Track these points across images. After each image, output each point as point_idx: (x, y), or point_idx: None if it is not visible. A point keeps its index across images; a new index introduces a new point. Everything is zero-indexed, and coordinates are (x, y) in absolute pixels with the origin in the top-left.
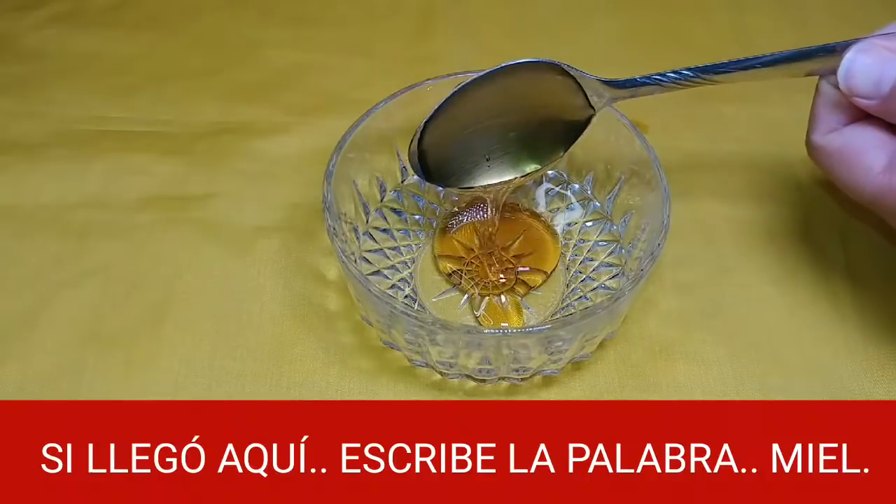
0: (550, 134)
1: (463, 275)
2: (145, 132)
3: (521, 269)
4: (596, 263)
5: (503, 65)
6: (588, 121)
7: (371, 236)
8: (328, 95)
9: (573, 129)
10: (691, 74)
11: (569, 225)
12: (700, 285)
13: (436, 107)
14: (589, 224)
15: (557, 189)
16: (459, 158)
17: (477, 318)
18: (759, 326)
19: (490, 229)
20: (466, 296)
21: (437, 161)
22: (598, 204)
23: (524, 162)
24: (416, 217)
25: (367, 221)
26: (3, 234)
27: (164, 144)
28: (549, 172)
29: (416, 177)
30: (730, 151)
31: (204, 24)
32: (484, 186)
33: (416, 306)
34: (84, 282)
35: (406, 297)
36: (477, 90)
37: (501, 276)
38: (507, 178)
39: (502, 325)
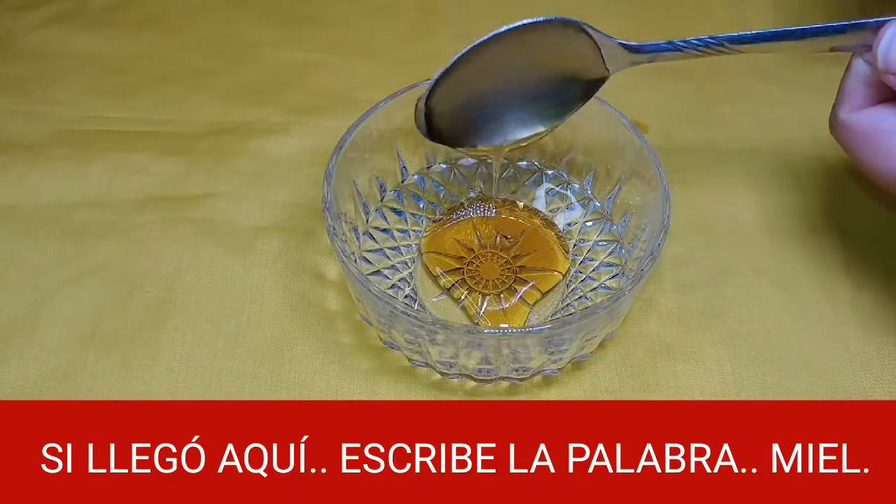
0: (561, 94)
1: (465, 272)
2: (145, 132)
3: (536, 269)
4: (596, 263)
5: (518, 23)
6: (601, 82)
7: (371, 236)
8: (328, 95)
9: (585, 91)
10: (714, 42)
11: (569, 225)
12: (700, 285)
13: (446, 66)
14: (589, 224)
15: (557, 189)
16: (468, 118)
17: (476, 322)
18: (759, 326)
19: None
20: (464, 298)
21: (444, 120)
22: (598, 204)
23: (532, 123)
24: (417, 217)
25: (367, 221)
26: (3, 234)
27: (164, 144)
28: (549, 172)
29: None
30: (730, 151)
31: (204, 24)
32: (494, 146)
33: (416, 306)
34: (84, 281)
35: (406, 297)
36: (489, 49)
37: (501, 275)
38: (514, 139)
39: (502, 325)
